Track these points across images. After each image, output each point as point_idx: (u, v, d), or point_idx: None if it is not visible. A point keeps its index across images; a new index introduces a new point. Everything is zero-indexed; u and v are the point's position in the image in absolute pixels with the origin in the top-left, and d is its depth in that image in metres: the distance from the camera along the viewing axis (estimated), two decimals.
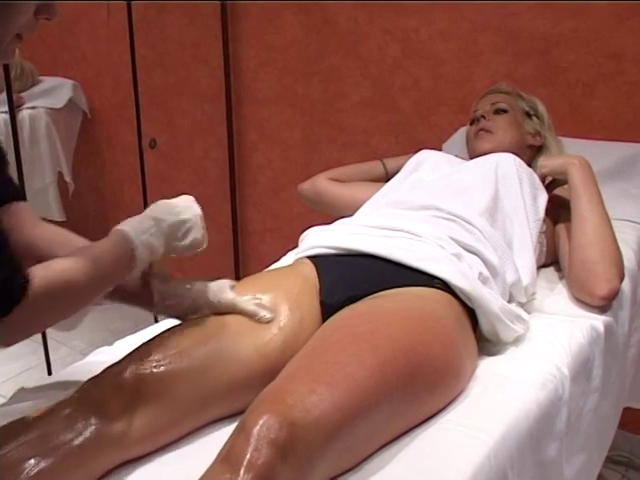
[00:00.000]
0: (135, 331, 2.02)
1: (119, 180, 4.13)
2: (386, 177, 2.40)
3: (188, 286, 1.64)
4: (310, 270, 1.79)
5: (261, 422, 1.22)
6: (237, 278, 3.48)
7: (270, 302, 1.65)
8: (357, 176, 2.44)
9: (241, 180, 3.53)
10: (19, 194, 1.63)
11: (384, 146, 3.04)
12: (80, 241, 1.64)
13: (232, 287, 1.66)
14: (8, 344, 1.34)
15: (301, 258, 1.89)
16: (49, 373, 2.96)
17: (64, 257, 1.36)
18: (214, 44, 3.37)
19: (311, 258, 1.85)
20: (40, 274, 1.30)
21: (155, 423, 1.45)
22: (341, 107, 3.14)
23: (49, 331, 3.02)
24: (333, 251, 1.84)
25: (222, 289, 1.64)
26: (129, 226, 1.49)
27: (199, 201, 3.46)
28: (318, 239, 1.92)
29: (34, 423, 1.40)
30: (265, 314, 1.61)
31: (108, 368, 1.49)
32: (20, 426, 1.41)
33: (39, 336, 2.99)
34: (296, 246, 2.24)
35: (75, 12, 3.99)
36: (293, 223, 3.39)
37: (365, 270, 1.74)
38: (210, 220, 3.56)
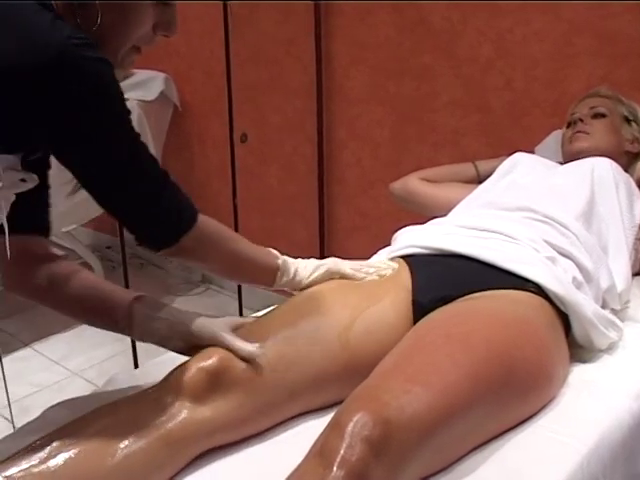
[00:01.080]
0: None
1: (207, 173, 4.17)
2: (478, 179, 2.38)
3: (167, 314, 1.60)
4: (403, 269, 1.79)
5: (355, 419, 1.23)
6: None
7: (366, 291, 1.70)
8: (449, 177, 2.43)
9: (330, 177, 3.53)
10: (46, 228, 1.63)
11: (475, 147, 3.02)
12: (87, 275, 1.67)
13: (237, 326, 1.60)
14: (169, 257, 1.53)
15: (394, 257, 1.89)
16: (135, 362, 3.00)
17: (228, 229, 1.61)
18: (307, 41, 3.38)
19: (404, 257, 1.86)
20: (208, 219, 1.52)
21: (241, 410, 1.47)
22: (432, 106, 3.12)
23: None
24: (426, 251, 1.84)
25: (216, 324, 1.57)
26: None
27: (287, 197, 3.49)
28: (411, 238, 1.92)
29: (124, 406, 1.45)
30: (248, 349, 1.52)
31: (198, 355, 1.52)
32: (110, 409, 1.45)
33: None
34: (384, 244, 2.24)
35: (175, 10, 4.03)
36: (381, 221, 3.38)
37: (458, 271, 1.74)
38: (297, 216, 3.64)
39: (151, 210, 1.42)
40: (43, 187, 1.54)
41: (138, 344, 3.01)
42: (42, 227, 1.62)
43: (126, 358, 3.39)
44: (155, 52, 4.08)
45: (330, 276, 1.76)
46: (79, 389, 3.32)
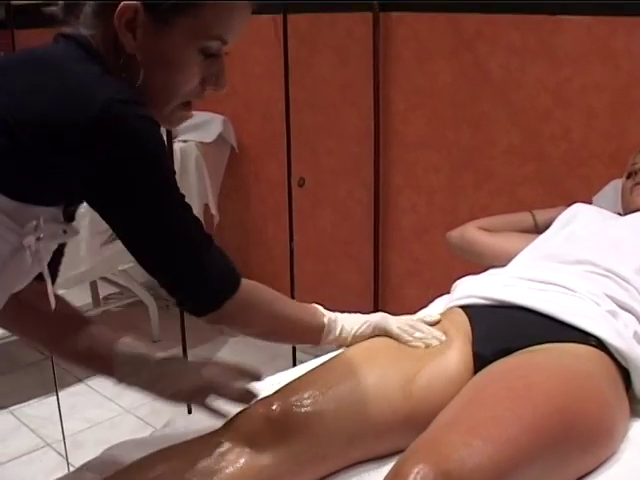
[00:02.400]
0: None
1: (263, 215, 4.20)
2: (535, 229, 2.37)
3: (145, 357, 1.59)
4: (463, 319, 1.79)
5: (416, 470, 1.23)
6: None
7: (374, 372, 1.64)
8: (506, 226, 2.43)
9: (385, 222, 3.54)
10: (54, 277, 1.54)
11: (531, 196, 3.02)
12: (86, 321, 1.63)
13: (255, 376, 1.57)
14: (210, 324, 1.48)
15: (453, 307, 1.90)
16: (189, 406, 3.01)
17: (271, 290, 1.55)
18: (364, 86, 3.41)
19: (463, 307, 1.86)
20: (250, 283, 1.48)
21: (301, 458, 1.48)
22: (489, 154, 3.13)
23: None
24: (486, 301, 1.83)
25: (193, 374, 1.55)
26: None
27: (341, 241, 3.50)
28: (471, 288, 1.92)
29: (182, 451, 1.46)
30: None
31: (258, 401, 1.53)
32: (168, 453, 1.47)
33: None
34: (437, 291, 2.24)
35: (228, 49, 4.09)
36: (435, 268, 3.39)
37: (519, 323, 1.74)
38: (351, 260, 3.66)
39: (194, 275, 1.38)
40: None
41: None
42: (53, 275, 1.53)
43: None
44: (214, 94, 4.14)
45: (377, 332, 1.74)
46: (131, 427, 3.35)
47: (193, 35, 1.29)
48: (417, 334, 1.73)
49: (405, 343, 1.71)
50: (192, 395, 1.53)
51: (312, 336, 1.67)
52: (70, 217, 1.41)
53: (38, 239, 1.30)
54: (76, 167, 1.23)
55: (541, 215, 2.43)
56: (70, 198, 1.34)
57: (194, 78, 1.34)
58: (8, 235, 1.26)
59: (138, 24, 1.26)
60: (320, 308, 1.70)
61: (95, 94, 1.19)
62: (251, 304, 1.48)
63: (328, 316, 1.69)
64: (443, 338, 1.73)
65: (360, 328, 1.73)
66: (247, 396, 1.51)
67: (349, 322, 1.73)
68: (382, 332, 1.74)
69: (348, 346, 1.72)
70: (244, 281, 1.45)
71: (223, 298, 1.41)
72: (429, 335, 1.74)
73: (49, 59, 1.26)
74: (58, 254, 1.50)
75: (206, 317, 1.43)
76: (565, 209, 2.29)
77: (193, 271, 1.37)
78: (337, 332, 1.69)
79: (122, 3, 1.24)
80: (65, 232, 1.37)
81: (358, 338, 1.72)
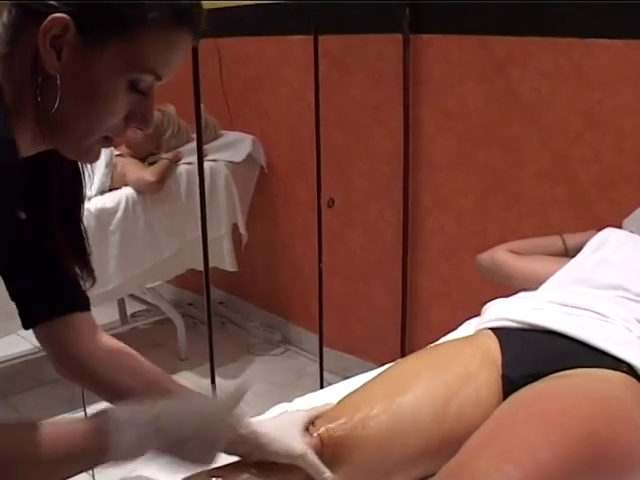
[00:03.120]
0: (299, 384, 2.03)
1: (291, 235, 4.22)
2: (565, 253, 2.36)
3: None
4: (493, 342, 1.79)
5: None
6: (402, 339, 3.50)
7: (407, 400, 1.60)
8: (537, 250, 2.41)
9: (414, 243, 3.54)
10: (83, 303, 1.46)
11: (561, 218, 3.01)
12: (139, 365, 1.50)
13: (308, 424, 1.53)
14: None
15: (483, 329, 1.89)
16: None
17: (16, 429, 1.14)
18: (395, 107, 3.41)
19: (494, 329, 1.85)
20: None
21: None
22: (519, 176, 3.12)
23: None
24: (517, 324, 1.83)
25: (293, 435, 1.47)
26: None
27: (370, 262, 3.50)
28: (502, 311, 1.91)
29: (248, 471, 1.45)
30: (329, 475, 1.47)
31: None
32: (235, 472, 1.45)
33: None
34: (465, 312, 2.24)
35: (259, 70, 4.12)
36: (463, 289, 3.38)
37: (550, 347, 1.73)
38: (380, 281, 3.67)
39: None
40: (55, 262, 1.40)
41: None
42: (76, 303, 1.45)
43: None
44: (244, 114, 4.18)
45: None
46: None
47: (126, 64, 1.12)
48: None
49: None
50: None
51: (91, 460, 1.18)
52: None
53: None
54: None
55: (571, 239, 2.41)
56: None
57: (118, 113, 1.16)
58: None
59: (65, 42, 1.08)
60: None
61: None
62: None
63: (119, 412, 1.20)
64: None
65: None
66: None
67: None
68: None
69: None
70: None
71: None
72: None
73: None
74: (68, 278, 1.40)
75: None
76: (596, 233, 2.28)
77: None
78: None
79: (51, 16, 1.06)
80: None
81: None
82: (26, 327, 1.41)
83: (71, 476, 1.16)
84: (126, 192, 3.69)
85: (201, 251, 3.00)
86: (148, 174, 3.71)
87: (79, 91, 1.11)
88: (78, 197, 1.38)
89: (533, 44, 2.95)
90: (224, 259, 4.03)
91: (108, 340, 1.50)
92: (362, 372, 1.85)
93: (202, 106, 2.94)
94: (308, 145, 3.55)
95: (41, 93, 1.10)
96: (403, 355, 2.95)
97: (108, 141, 1.21)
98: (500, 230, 3.18)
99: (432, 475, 1.51)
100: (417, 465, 1.56)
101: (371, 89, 3.55)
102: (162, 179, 3.75)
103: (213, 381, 3.05)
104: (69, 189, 1.35)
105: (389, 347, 3.60)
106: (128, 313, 4.55)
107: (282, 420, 1.53)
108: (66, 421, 1.20)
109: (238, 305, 4.63)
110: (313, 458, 1.45)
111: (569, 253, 2.31)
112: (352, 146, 3.70)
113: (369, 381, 1.70)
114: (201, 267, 2.99)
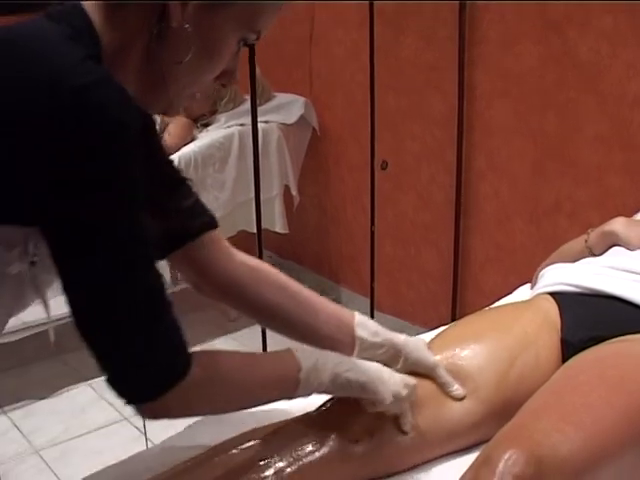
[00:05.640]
0: None
1: (342, 198, 4.20)
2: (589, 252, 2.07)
3: (390, 338, 1.54)
4: (551, 306, 1.76)
5: (506, 456, 1.22)
6: (454, 305, 3.48)
7: (470, 363, 1.60)
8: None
9: (466, 208, 3.51)
10: (211, 222, 1.50)
11: (618, 185, 2.95)
12: (282, 280, 1.55)
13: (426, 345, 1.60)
14: (152, 418, 1.23)
15: (542, 293, 1.86)
16: None
17: (231, 354, 1.31)
18: (449, 69, 3.38)
19: (552, 294, 1.82)
20: (204, 362, 1.21)
21: (393, 448, 1.48)
22: (575, 141, 3.07)
23: None
24: (576, 289, 1.79)
25: (420, 349, 1.56)
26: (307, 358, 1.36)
27: (422, 226, 3.47)
28: (560, 276, 1.88)
29: (280, 433, 1.46)
30: (458, 389, 1.55)
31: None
32: (264, 435, 1.46)
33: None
34: (517, 278, 2.20)
35: (311, 31, 4.09)
36: (515, 255, 3.34)
37: (610, 312, 1.70)
38: (431, 245, 3.64)
39: (130, 351, 1.12)
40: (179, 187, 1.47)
41: None
42: (207, 222, 1.50)
43: None
44: (296, 76, 4.16)
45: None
46: None
47: (244, 22, 1.16)
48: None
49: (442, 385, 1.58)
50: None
51: (284, 395, 1.37)
52: None
53: (32, 263, 1.13)
54: (36, 169, 1.03)
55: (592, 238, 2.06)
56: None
57: (221, 68, 1.21)
58: None
59: None
60: (301, 355, 1.36)
61: (63, 82, 1.01)
62: (202, 390, 1.22)
63: (306, 368, 1.35)
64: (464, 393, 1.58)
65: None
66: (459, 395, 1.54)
67: (354, 373, 1.41)
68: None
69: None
70: (197, 361, 1.18)
71: (164, 387, 1.14)
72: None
73: (16, 39, 1.08)
74: (192, 202, 1.47)
75: (139, 407, 1.17)
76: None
77: (128, 344, 1.11)
78: (315, 385, 1.37)
79: None
80: None
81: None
82: (161, 258, 1.40)
83: (254, 406, 1.38)
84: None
85: (252, 213, 3.00)
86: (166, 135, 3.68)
87: (196, 45, 1.14)
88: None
89: (592, 3, 2.88)
90: (275, 221, 4.03)
91: (245, 257, 1.55)
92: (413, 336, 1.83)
93: (257, 69, 2.92)
94: (361, 107, 3.52)
95: (155, 44, 1.13)
96: (454, 320, 2.92)
97: (193, 97, 1.26)
98: (554, 196, 3.14)
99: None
100: (478, 431, 1.55)
101: (425, 50, 3.51)
102: (179, 139, 3.74)
103: (264, 341, 3.05)
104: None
105: (439, 312, 3.59)
106: (179, 274, 4.56)
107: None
108: (272, 358, 1.42)
109: (288, 268, 4.61)
110: (444, 372, 1.55)
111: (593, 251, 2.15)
112: (405, 108, 3.66)
113: (429, 342, 1.68)
114: (252, 229, 2.98)
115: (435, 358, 1.56)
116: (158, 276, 1.13)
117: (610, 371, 1.46)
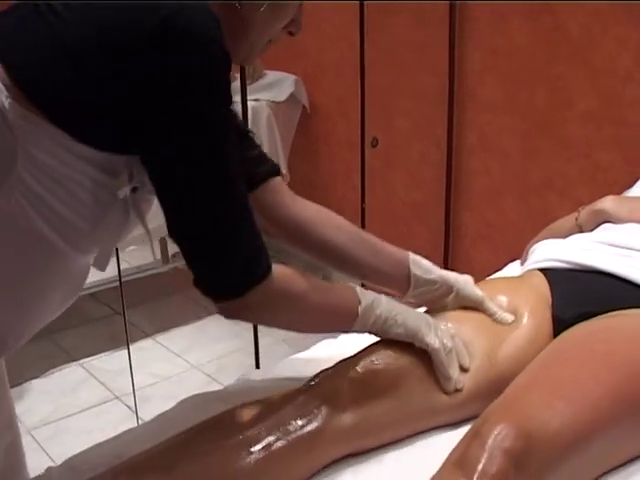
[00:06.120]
0: None
1: (333, 175, 4.19)
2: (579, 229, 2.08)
3: (442, 275, 1.67)
4: (542, 282, 1.76)
5: (497, 431, 1.22)
6: None
7: (510, 305, 1.67)
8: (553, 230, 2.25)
9: (457, 184, 3.51)
10: (275, 169, 1.63)
11: (608, 160, 2.95)
12: (343, 222, 1.68)
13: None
14: (232, 317, 1.35)
15: (532, 269, 1.86)
16: (257, 361, 3.03)
17: (303, 274, 1.40)
18: (439, 46, 3.37)
19: (543, 270, 1.82)
20: (281, 272, 1.34)
21: (382, 419, 1.48)
22: (565, 118, 3.07)
23: None
24: (566, 265, 1.79)
25: (469, 285, 1.67)
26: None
27: (412, 203, 3.46)
28: (550, 252, 1.87)
29: (267, 407, 1.45)
30: (506, 316, 1.64)
31: (342, 361, 1.53)
32: (254, 408, 1.46)
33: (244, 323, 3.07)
34: (507, 254, 2.20)
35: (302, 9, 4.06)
36: (505, 231, 3.35)
37: (600, 288, 1.70)
38: (422, 223, 3.63)
39: (220, 252, 1.26)
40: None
41: (260, 342, 3.04)
42: (268, 169, 1.62)
43: (245, 355, 3.45)
44: (286, 54, 4.14)
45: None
46: (198, 383, 3.39)
47: None
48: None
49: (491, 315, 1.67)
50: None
51: (344, 325, 1.50)
52: None
53: (134, 190, 1.27)
54: (137, 93, 1.15)
55: (583, 215, 2.07)
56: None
57: (290, 16, 1.34)
58: (98, 189, 1.22)
59: None
60: (360, 292, 1.49)
61: (160, 6, 1.12)
62: (278, 299, 1.35)
63: (365, 303, 1.48)
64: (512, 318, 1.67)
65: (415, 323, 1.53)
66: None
67: (403, 316, 1.53)
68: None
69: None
70: (276, 271, 1.31)
71: (246, 286, 1.27)
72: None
73: None
74: (254, 150, 1.60)
75: (223, 305, 1.31)
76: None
77: (220, 247, 1.25)
78: (370, 321, 1.49)
79: None
80: None
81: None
82: None
83: (316, 329, 1.58)
84: None
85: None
86: None
87: None
88: None
89: None
90: None
91: (307, 202, 1.69)
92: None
93: None
94: (351, 85, 3.51)
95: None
96: None
97: (269, 45, 1.38)
98: (545, 172, 3.14)
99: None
100: (466, 407, 1.54)
101: (415, 27, 3.50)
102: None
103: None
104: None
105: None
106: (170, 253, 4.57)
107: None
108: (337, 287, 1.49)
109: (278, 246, 4.60)
110: (491, 304, 1.65)
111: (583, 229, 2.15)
112: (396, 86, 3.65)
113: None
114: None
115: (482, 293, 1.66)
116: (245, 189, 1.27)
117: (599, 346, 1.46)
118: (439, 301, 1.67)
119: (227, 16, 1.23)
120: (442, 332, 1.53)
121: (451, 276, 1.68)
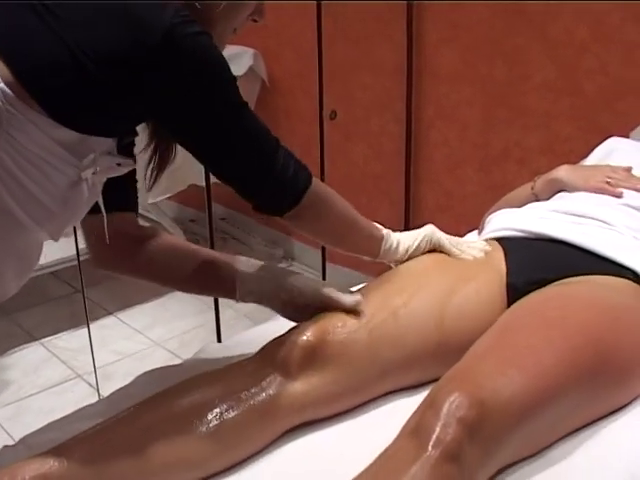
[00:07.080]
0: None
1: (293, 149, 4.14)
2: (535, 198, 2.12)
3: (267, 269, 1.70)
4: (497, 251, 1.77)
5: (451, 399, 1.23)
6: None
7: (464, 274, 1.69)
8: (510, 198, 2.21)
9: (416, 156, 3.51)
10: (129, 206, 1.67)
11: (566, 130, 2.97)
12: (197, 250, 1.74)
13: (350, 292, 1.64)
14: (296, 228, 1.61)
15: (488, 239, 1.87)
16: (218, 336, 3.03)
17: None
18: (398, 19, 3.35)
19: (498, 239, 1.83)
20: (320, 184, 1.56)
21: (333, 387, 1.49)
22: (523, 89, 3.08)
23: None
24: (521, 234, 1.81)
25: (313, 282, 1.67)
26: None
27: (372, 175, 3.46)
28: (506, 221, 1.89)
29: (219, 377, 1.47)
30: (468, 255, 1.74)
31: (293, 329, 1.54)
32: (206, 378, 1.47)
33: (207, 297, 3.06)
34: (468, 225, 2.21)
35: None
36: (465, 202, 3.36)
37: (554, 255, 1.71)
38: (383, 195, 3.63)
39: (268, 175, 1.45)
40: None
41: (222, 317, 3.04)
42: (131, 204, 1.67)
43: (207, 331, 3.44)
44: (245, 27, 4.09)
45: (430, 247, 1.76)
46: (160, 359, 3.37)
47: None
48: (465, 248, 1.77)
49: (455, 256, 1.75)
50: (310, 309, 1.59)
51: (373, 246, 1.69)
52: (126, 151, 1.49)
53: (94, 172, 1.37)
54: (143, 91, 1.31)
55: (539, 184, 2.13)
56: (129, 126, 1.44)
57: (251, 7, 1.50)
58: (68, 169, 1.33)
59: None
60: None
61: (156, 21, 1.26)
62: (324, 198, 1.56)
63: (386, 230, 1.72)
64: (489, 248, 1.77)
65: (414, 242, 1.74)
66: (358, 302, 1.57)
67: (404, 238, 1.75)
68: (434, 246, 1.77)
69: (402, 262, 1.74)
70: (315, 178, 1.53)
71: (301, 192, 1.48)
72: (476, 247, 1.78)
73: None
74: (132, 182, 1.62)
75: (287, 215, 1.51)
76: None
77: (265, 171, 1.45)
78: (394, 245, 1.71)
79: None
80: (119, 165, 1.44)
81: (414, 253, 1.74)
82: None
83: (351, 247, 1.71)
84: None
85: (202, 166, 2.97)
86: None
87: None
88: None
89: None
90: None
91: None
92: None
93: None
94: (310, 58, 3.49)
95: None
96: None
97: (234, 33, 1.54)
98: (504, 143, 3.15)
99: (430, 382, 1.52)
100: (414, 367, 1.57)
101: (374, 1, 3.48)
102: None
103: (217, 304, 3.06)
104: None
105: None
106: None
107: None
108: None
109: (240, 221, 4.59)
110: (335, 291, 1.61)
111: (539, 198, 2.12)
112: (354, 59, 3.64)
113: (366, 285, 1.73)
114: (203, 183, 2.95)
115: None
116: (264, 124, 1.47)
117: (552, 312, 1.48)
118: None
119: (191, 14, 1.33)
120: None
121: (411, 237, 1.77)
